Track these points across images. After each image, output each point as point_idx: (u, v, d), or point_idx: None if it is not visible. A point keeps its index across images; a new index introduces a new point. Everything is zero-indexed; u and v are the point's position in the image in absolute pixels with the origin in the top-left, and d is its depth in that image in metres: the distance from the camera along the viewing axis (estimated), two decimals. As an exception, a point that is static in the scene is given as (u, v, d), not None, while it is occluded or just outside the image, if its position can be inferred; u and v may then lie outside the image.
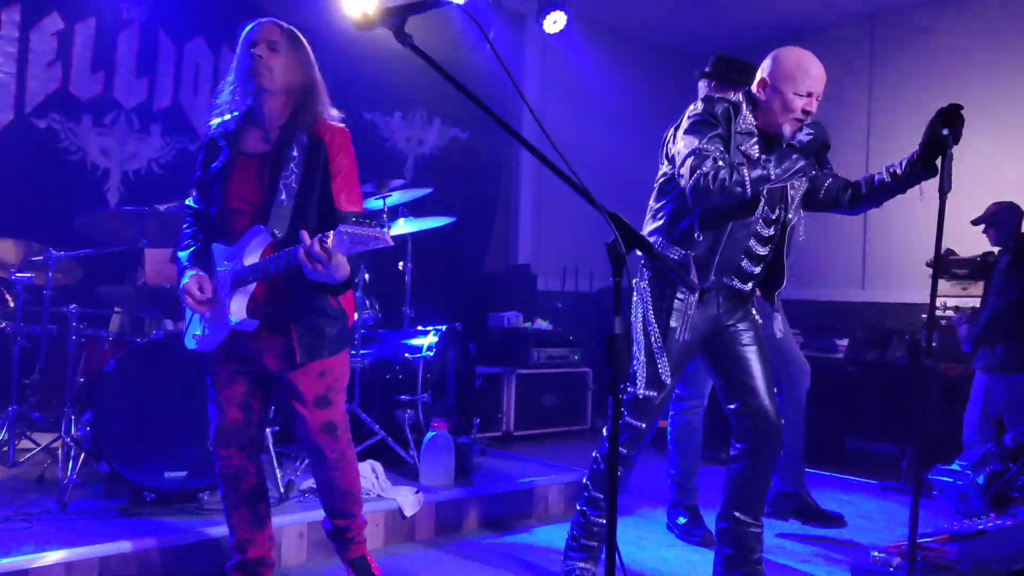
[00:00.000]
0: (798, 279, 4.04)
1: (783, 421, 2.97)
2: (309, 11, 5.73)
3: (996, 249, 4.77)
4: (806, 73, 2.74)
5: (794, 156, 2.65)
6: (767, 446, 2.89)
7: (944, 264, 5.59)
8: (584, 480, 3.04)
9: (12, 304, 3.88)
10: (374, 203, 4.48)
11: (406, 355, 4.41)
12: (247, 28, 2.54)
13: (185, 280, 2.51)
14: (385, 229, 2.42)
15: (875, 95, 6.61)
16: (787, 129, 2.75)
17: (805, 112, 2.75)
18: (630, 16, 7.19)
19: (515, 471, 4.28)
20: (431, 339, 4.42)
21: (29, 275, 3.83)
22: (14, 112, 4.62)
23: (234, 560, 2.69)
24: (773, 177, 2.64)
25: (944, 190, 2.65)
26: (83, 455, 3.39)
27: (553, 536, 3.73)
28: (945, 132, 2.65)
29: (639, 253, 1.88)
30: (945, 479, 4.30)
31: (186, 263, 2.56)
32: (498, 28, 6.56)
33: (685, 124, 2.79)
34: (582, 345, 6.21)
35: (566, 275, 7.09)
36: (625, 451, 2.90)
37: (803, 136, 2.68)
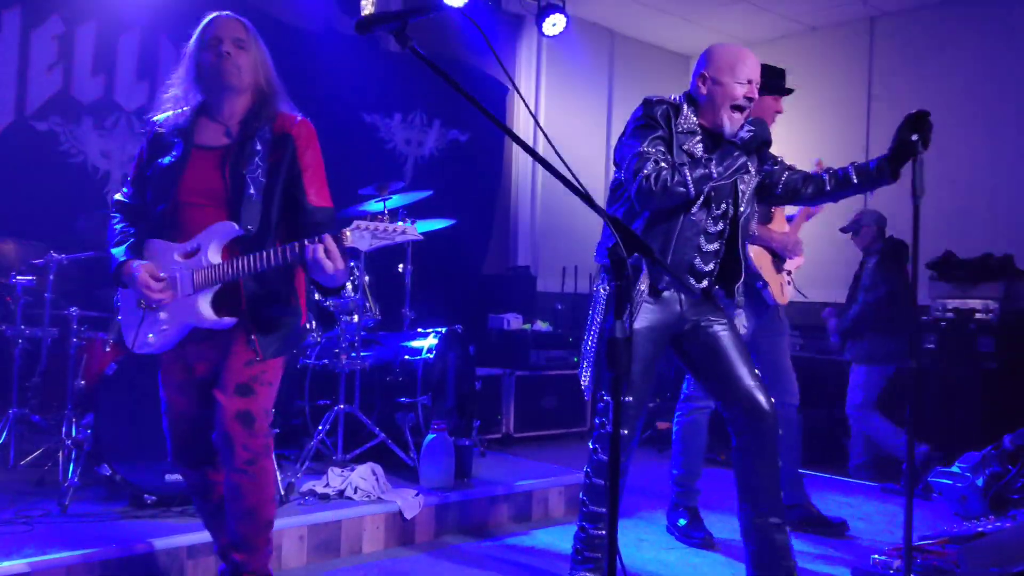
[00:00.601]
0: (796, 280, 4.04)
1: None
2: (309, 14, 5.76)
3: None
4: (743, 61, 2.82)
5: (735, 153, 2.73)
6: (763, 429, 2.85)
7: (944, 266, 5.61)
8: (581, 495, 3.01)
9: (13, 307, 3.88)
10: (374, 205, 4.49)
11: (406, 357, 4.41)
12: (205, 21, 2.46)
13: (134, 272, 2.36)
14: (410, 223, 2.48)
15: (874, 96, 6.61)
16: (727, 122, 2.81)
17: (747, 99, 2.81)
18: (628, 18, 7.20)
19: (515, 473, 4.28)
20: (431, 341, 4.42)
21: (30, 278, 3.83)
22: (15, 114, 4.63)
23: (221, 567, 2.62)
24: (715, 175, 2.71)
25: (917, 194, 2.67)
26: (84, 458, 3.39)
27: (553, 538, 3.74)
28: (914, 138, 2.68)
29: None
30: (944, 481, 4.31)
31: (124, 257, 2.41)
32: (496, 30, 6.57)
33: (629, 128, 2.86)
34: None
35: (565, 276, 7.09)
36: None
37: (744, 133, 2.75)
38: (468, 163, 6.63)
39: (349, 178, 5.52)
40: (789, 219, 3.98)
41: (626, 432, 2.87)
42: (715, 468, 5.38)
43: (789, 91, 3.75)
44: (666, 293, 2.86)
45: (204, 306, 2.36)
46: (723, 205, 2.88)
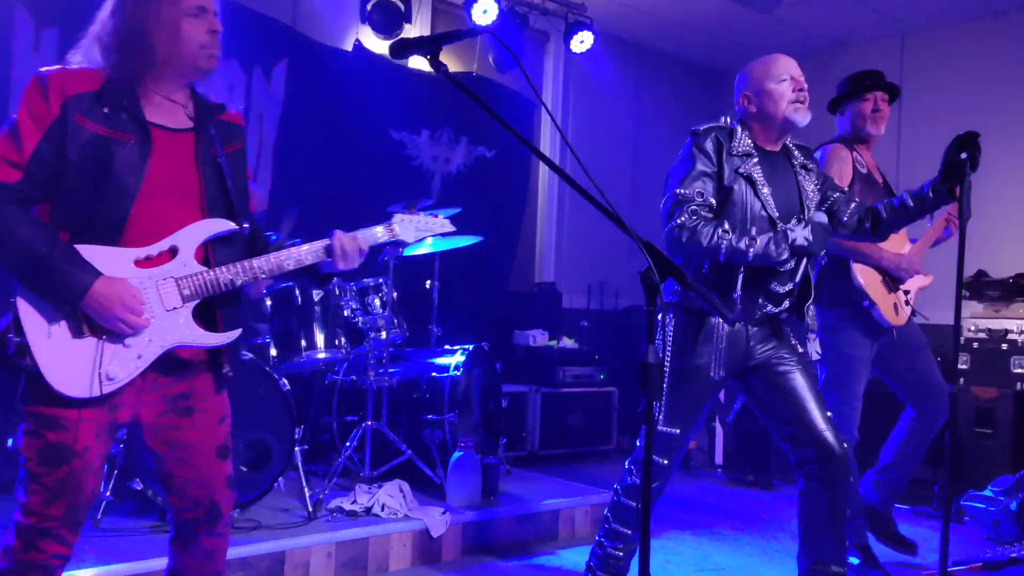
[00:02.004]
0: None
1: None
2: (338, 33, 5.82)
3: None
4: (776, 62, 2.81)
5: (782, 248, 2.62)
6: (834, 475, 2.72)
7: (976, 286, 5.54)
8: (606, 511, 2.98)
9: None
10: (403, 223, 4.51)
11: (433, 374, 4.42)
12: None
13: (116, 294, 1.85)
14: (443, 215, 2.42)
15: (905, 112, 6.56)
16: (796, 117, 2.77)
17: (799, 91, 2.78)
18: (655, 33, 7.21)
19: (541, 492, 4.27)
20: (458, 358, 4.43)
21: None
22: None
23: None
24: (750, 258, 2.63)
25: (964, 216, 2.63)
26: (116, 472, 3.43)
27: (579, 559, 3.71)
28: (963, 156, 2.65)
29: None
30: (977, 505, 4.24)
31: (85, 273, 1.84)
32: (524, 47, 6.60)
33: (678, 159, 2.81)
34: (608, 364, 6.20)
35: (591, 293, 7.08)
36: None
37: (801, 239, 2.63)
38: (495, 179, 6.65)
39: (376, 195, 5.57)
40: (913, 240, 3.81)
41: (666, 462, 2.81)
42: (743, 489, 5.34)
43: (894, 87, 3.68)
44: (736, 326, 2.78)
45: (192, 322, 1.97)
46: (794, 221, 2.80)
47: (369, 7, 5.58)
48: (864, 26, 6.76)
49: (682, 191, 2.69)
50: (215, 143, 2.06)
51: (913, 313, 3.68)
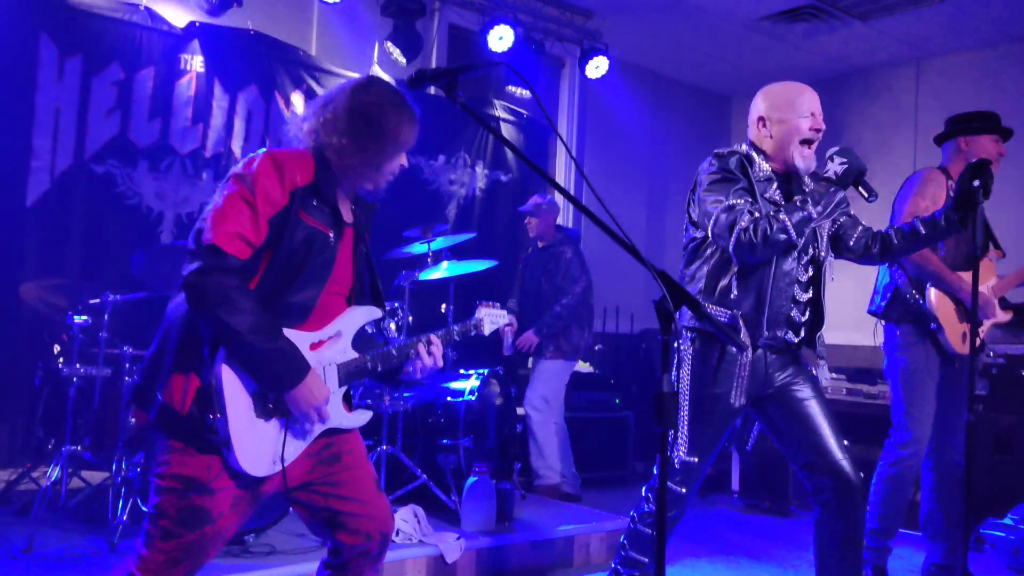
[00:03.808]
0: (843, 324, 3.98)
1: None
2: (355, 61, 5.89)
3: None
4: (801, 94, 2.76)
5: (832, 189, 2.61)
6: (851, 504, 2.70)
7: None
8: (622, 538, 2.96)
9: (69, 345, 3.98)
10: (419, 247, 4.55)
11: (448, 399, 4.43)
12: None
13: (312, 386, 1.96)
14: (498, 307, 2.51)
15: (921, 138, 6.56)
16: (798, 158, 2.74)
17: (815, 131, 2.75)
18: (670, 59, 7.26)
19: (556, 518, 4.26)
20: (473, 383, 4.44)
21: (85, 317, 3.94)
22: (74, 157, 4.78)
23: None
24: (815, 216, 2.59)
25: (977, 244, 2.62)
26: (133, 496, 3.45)
27: (595, 585, 3.70)
28: (975, 184, 2.64)
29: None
30: (997, 534, 4.19)
31: (300, 357, 1.96)
32: (539, 73, 6.66)
33: (704, 183, 2.76)
34: (623, 388, 6.18)
35: (606, 316, 7.08)
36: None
37: (837, 167, 2.62)
38: (510, 204, 6.67)
39: (394, 219, 5.60)
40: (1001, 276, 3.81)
41: (683, 491, 2.79)
42: (760, 515, 5.30)
43: (1007, 131, 3.66)
44: (757, 352, 2.75)
45: (340, 403, 2.10)
46: (810, 250, 2.79)
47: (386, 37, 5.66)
48: (880, 52, 6.78)
49: (733, 200, 2.65)
50: (364, 234, 2.24)
51: (982, 347, 3.68)
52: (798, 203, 2.61)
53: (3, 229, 4.53)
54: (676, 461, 2.79)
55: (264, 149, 2.05)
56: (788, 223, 2.57)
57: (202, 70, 5.13)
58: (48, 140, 4.69)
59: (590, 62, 6.37)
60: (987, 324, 3.73)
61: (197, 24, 5.10)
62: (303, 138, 2.13)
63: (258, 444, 1.93)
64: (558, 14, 6.48)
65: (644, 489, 2.93)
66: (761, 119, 2.80)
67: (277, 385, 1.94)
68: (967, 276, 3.47)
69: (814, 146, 2.77)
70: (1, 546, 3.26)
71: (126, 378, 3.84)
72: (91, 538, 3.40)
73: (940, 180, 3.58)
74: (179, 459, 1.91)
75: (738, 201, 2.64)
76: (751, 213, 2.61)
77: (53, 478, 3.78)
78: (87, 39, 4.75)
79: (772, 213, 2.61)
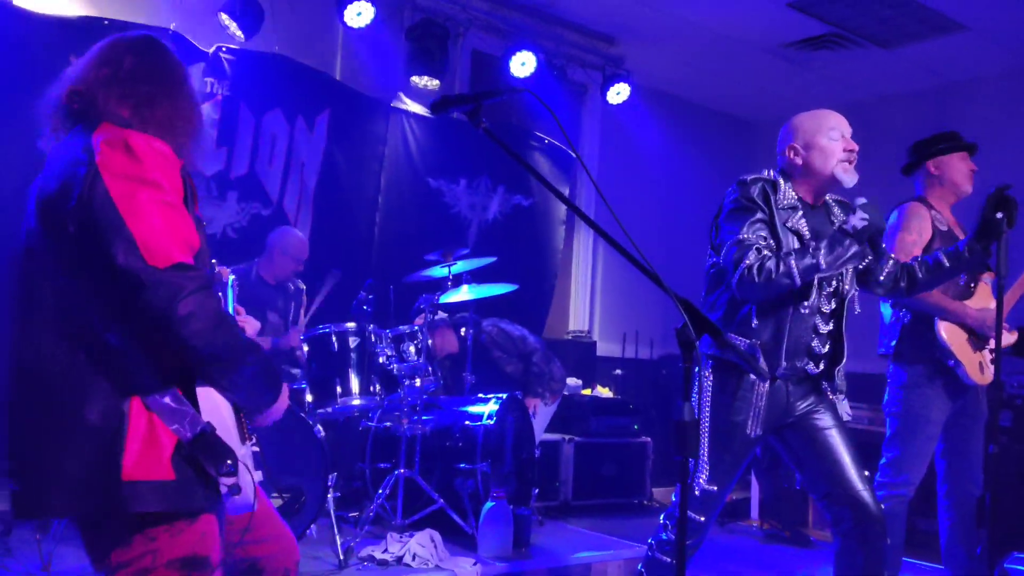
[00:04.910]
0: (865, 353, 3.92)
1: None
2: (377, 85, 5.95)
3: None
4: (828, 118, 2.77)
5: (847, 242, 2.58)
6: (871, 534, 2.66)
7: (1020, 342, 5.43)
8: (640, 567, 2.93)
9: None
10: (439, 271, 4.56)
11: (466, 423, 4.43)
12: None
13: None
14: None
15: (943, 166, 6.54)
16: (843, 176, 2.73)
17: (849, 151, 2.74)
18: (692, 85, 7.28)
19: (573, 544, 4.23)
20: (491, 407, 4.43)
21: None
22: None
23: None
24: (824, 266, 2.56)
25: (1001, 275, 2.59)
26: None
27: (612, 614, 3.66)
28: (999, 216, 2.60)
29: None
30: (1022, 568, 4.11)
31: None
32: (560, 99, 6.69)
33: (724, 211, 2.76)
34: (642, 414, 6.14)
35: (626, 342, 7.06)
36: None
37: (857, 221, 2.59)
38: (530, 228, 6.70)
39: (415, 242, 5.64)
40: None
41: (702, 519, 2.76)
42: (780, 545, 5.24)
43: (972, 146, 3.63)
44: (776, 383, 2.73)
45: None
46: (834, 283, 2.77)
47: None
48: (902, 80, 6.76)
49: (744, 236, 2.64)
50: None
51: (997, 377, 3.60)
52: (811, 249, 2.59)
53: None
54: (696, 489, 2.76)
55: None
56: (795, 268, 2.56)
57: (228, 93, 5.20)
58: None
59: (611, 88, 6.39)
60: (1004, 342, 3.65)
61: (224, 48, 5.17)
62: None
63: (245, 475, 1.68)
64: (580, 40, 6.52)
65: (663, 516, 2.91)
66: (792, 148, 2.79)
67: (272, 397, 1.76)
68: (970, 302, 3.43)
69: (853, 165, 2.76)
70: (21, 564, 3.27)
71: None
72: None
73: (922, 212, 3.51)
74: (168, 541, 1.60)
75: (749, 236, 2.64)
76: (759, 251, 2.60)
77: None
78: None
79: (782, 254, 2.60)
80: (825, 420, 2.77)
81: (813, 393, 2.81)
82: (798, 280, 2.57)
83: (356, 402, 4.14)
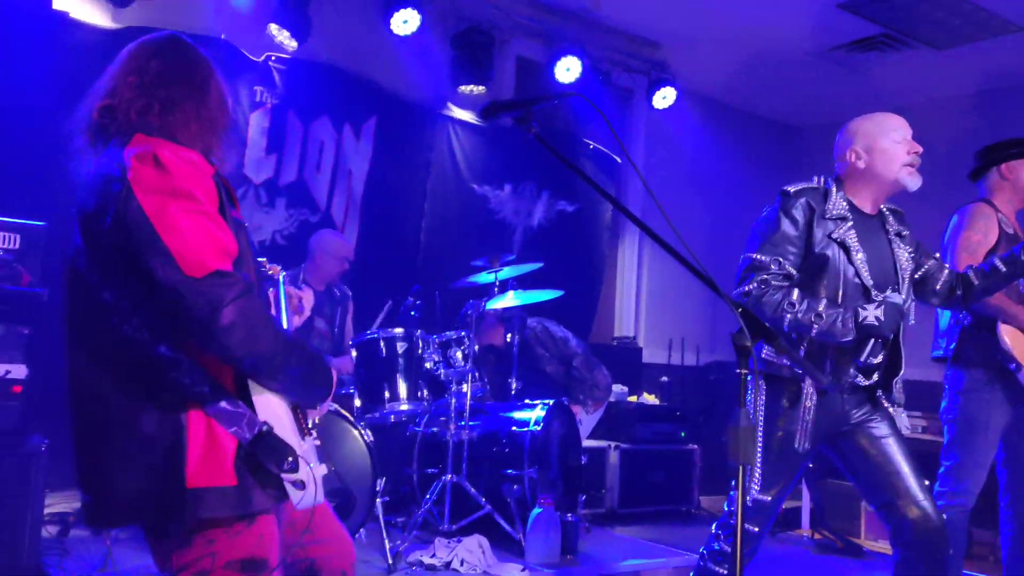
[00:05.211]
0: (917, 361, 3.82)
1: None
2: (423, 92, 5.99)
3: None
4: (889, 120, 2.73)
5: (850, 327, 2.52)
6: (932, 546, 2.60)
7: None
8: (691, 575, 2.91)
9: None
10: (486, 277, 4.57)
11: (513, 428, 4.42)
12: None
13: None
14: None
15: (999, 169, 6.39)
16: (907, 180, 2.68)
17: (914, 154, 2.69)
18: (738, 89, 7.21)
19: (621, 552, 4.20)
20: (538, 413, 4.42)
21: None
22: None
23: None
24: (813, 334, 2.55)
25: None
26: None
27: (661, 623, 3.63)
28: None
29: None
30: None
31: None
32: (606, 104, 6.67)
33: (756, 221, 2.74)
34: (689, 421, 6.08)
35: (671, 348, 7.01)
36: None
37: (872, 319, 2.52)
38: (575, 233, 6.68)
39: (460, 248, 5.66)
40: None
41: (756, 529, 2.72)
42: (832, 556, 5.14)
43: None
44: (829, 391, 2.68)
45: None
46: (889, 291, 2.70)
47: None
48: (955, 82, 6.62)
49: (758, 256, 2.63)
50: None
51: None
52: (819, 310, 2.54)
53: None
54: (749, 499, 2.72)
55: None
56: (795, 314, 2.53)
57: (277, 102, 5.28)
58: (128, 168, 4.87)
59: (657, 92, 6.37)
60: None
61: (273, 57, 5.26)
62: None
63: (307, 470, 1.67)
64: (625, 45, 6.50)
65: (715, 526, 2.86)
66: (854, 152, 2.73)
67: (324, 392, 1.77)
68: None
69: (916, 166, 2.71)
70: (78, 564, 3.34)
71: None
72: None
73: (988, 212, 3.44)
74: (227, 543, 1.61)
75: (763, 258, 2.62)
76: (764, 283, 2.59)
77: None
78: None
79: (789, 299, 2.56)
80: (881, 429, 2.71)
81: (868, 402, 2.75)
82: (786, 329, 2.57)
83: (404, 407, 4.17)
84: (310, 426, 1.77)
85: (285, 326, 2.16)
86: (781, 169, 7.33)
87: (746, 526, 2.71)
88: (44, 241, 3.24)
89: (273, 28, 5.04)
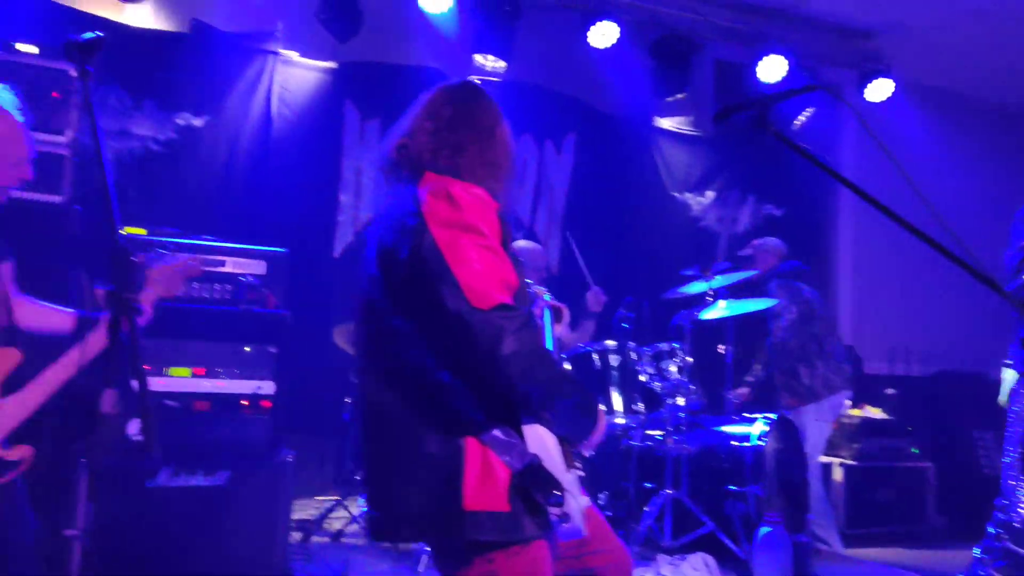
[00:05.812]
0: None
1: None
2: (622, 103, 5.96)
3: None
4: None
5: None
6: None
7: None
8: None
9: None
10: (698, 286, 4.45)
11: (733, 443, 4.26)
12: None
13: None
14: None
15: None
16: None
17: None
18: (965, 77, 6.63)
19: (857, 576, 3.92)
20: (760, 427, 4.23)
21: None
22: (374, 211, 5.21)
23: None
24: None
25: None
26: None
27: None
28: None
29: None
30: None
31: None
32: (814, 101, 6.36)
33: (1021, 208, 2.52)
34: (920, 436, 5.63)
35: (894, 357, 6.52)
36: None
37: None
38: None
39: (664, 258, 5.58)
40: None
41: None
42: None
43: None
44: None
45: None
46: None
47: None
48: None
49: None
50: None
51: None
52: None
53: (315, 277, 5.00)
54: (1017, 520, 2.46)
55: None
56: None
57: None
58: (351, 197, 5.17)
59: (871, 84, 5.99)
60: None
61: (479, 80, 5.40)
62: None
63: (571, 502, 1.69)
64: (832, 38, 6.17)
65: (978, 550, 2.61)
66: None
67: (591, 424, 1.79)
68: None
69: None
70: (320, 569, 3.54)
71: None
72: (399, 566, 3.60)
73: None
74: (505, 563, 1.67)
75: None
76: None
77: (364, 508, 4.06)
78: (385, 102, 5.18)
79: None
80: None
81: None
82: None
83: (619, 420, 4.12)
84: (574, 459, 1.78)
85: (551, 344, 2.20)
86: (1013, 161, 6.68)
87: (1017, 550, 2.45)
88: (287, 267, 3.48)
89: (478, 58, 5.20)
